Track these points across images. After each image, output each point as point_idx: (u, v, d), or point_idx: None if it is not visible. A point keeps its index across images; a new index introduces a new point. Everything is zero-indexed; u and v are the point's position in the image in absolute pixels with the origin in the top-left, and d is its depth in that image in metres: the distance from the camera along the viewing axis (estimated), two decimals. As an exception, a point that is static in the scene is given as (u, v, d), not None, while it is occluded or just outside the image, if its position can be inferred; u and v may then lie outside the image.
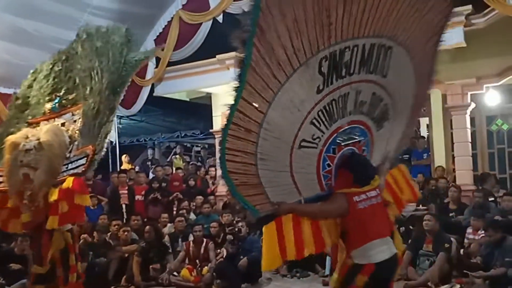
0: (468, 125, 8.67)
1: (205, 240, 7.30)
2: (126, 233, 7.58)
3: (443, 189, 8.16)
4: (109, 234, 7.94)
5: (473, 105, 8.68)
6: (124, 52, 5.16)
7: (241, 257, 6.88)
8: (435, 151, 10.21)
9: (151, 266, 7.21)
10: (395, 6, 3.09)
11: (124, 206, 9.73)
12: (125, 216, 9.35)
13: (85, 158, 4.63)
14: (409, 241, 6.79)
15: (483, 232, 6.42)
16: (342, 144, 3.41)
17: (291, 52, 2.90)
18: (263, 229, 3.28)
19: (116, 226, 7.93)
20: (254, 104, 2.98)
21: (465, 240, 6.75)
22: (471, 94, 8.59)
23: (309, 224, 3.29)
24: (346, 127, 3.39)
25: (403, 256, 6.54)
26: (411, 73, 3.53)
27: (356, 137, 3.46)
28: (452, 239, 6.60)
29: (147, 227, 7.57)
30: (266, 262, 3.26)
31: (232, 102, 2.92)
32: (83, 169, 4.60)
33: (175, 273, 7.07)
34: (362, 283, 3.20)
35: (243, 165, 3.14)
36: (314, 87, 3.11)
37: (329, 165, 3.41)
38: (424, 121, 11.47)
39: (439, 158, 10.05)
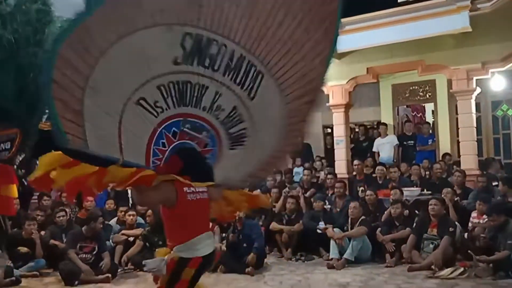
0: (473, 110, 8.65)
1: (210, 224, 7.33)
2: (131, 217, 7.63)
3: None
4: (116, 218, 8.02)
5: (478, 90, 8.66)
6: (45, 20, 4.47)
7: (244, 245, 6.83)
8: (440, 136, 10.23)
9: (156, 250, 7.25)
10: (269, 26, 3.12)
11: (129, 191, 9.82)
12: (130, 201, 9.43)
13: (9, 142, 4.05)
14: (414, 225, 6.83)
15: (488, 216, 6.45)
16: (187, 133, 3.33)
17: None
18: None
19: (123, 212, 7.99)
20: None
21: (469, 224, 6.77)
22: (476, 79, 8.57)
23: None
24: (196, 120, 3.33)
25: (408, 240, 6.63)
26: (279, 117, 3.38)
27: (202, 137, 3.38)
28: (456, 223, 6.64)
29: (149, 211, 7.64)
30: None
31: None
32: (9, 155, 4.03)
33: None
34: (190, 276, 3.11)
35: (70, 82, 2.86)
36: (171, 55, 3.11)
37: (164, 145, 3.30)
38: (429, 106, 11.47)
39: (444, 144, 10.08)
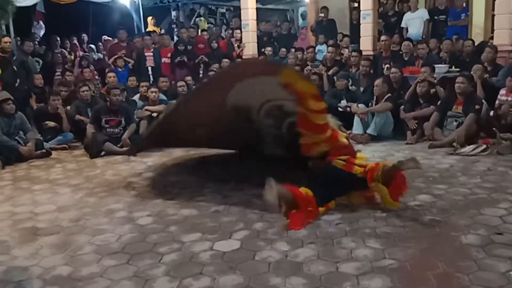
0: (514, -20, 7.98)
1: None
2: (154, 93, 7.65)
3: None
4: (138, 95, 8.06)
5: (522, -43, 7.90)
6: None
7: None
8: (474, 10, 9.65)
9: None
10: None
11: (150, 68, 9.79)
12: (151, 78, 9.43)
13: None
14: (439, 102, 6.70)
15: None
16: None
17: None
18: None
19: (144, 87, 8.01)
20: None
21: (497, 102, 6.60)
22: None
23: None
24: None
25: (431, 117, 6.54)
26: None
27: None
28: (483, 100, 6.47)
29: (180, 82, 7.69)
30: None
31: None
32: None
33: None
34: None
35: None
36: None
37: None
38: (465, -22, 10.64)
39: (478, 18, 9.54)
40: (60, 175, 5.67)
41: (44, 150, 6.64)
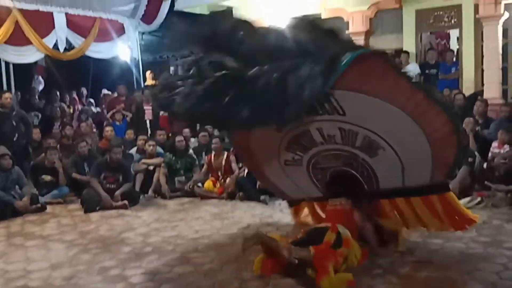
0: (500, 36, 8.28)
1: (226, 152, 7.38)
2: (151, 147, 7.73)
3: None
4: (135, 148, 8.12)
5: (506, 15, 8.22)
6: None
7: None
8: (464, 64, 9.90)
9: (176, 178, 7.41)
10: None
11: (148, 121, 9.92)
12: (149, 131, 9.55)
13: None
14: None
15: (509, 146, 6.35)
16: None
17: None
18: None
19: (142, 141, 8.09)
20: None
21: (489, 154, 6.68)
22: (505, 4, 8.11)
23: None
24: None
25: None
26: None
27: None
28: (476, 153, 6.55)
29: (179, 137, 7.74)
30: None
31: None
32: None
33: (199, 184, 7.27)
34: None
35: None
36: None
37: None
38: (454, 33, 11.00)
39: (468, 72, 9.77)
40: (55, 231, 5.64)
41: (39, 205, 6.63)
